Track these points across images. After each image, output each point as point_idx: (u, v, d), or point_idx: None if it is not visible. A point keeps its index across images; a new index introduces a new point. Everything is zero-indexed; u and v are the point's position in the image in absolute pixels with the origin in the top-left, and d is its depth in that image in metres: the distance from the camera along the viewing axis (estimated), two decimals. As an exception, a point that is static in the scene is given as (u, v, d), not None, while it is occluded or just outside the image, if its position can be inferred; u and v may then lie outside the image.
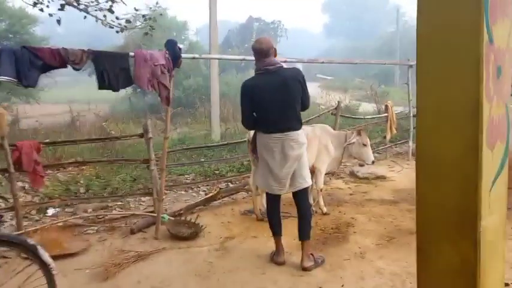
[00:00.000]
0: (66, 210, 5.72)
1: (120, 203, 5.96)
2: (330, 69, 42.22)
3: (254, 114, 3.72)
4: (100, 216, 5.35)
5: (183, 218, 4.98)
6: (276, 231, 3.93)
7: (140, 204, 6.07)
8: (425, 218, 1.96)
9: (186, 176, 7.59)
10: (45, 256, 2.60)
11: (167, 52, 4.34)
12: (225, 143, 7.68)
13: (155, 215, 4.85)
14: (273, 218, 3.93)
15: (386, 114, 7.82)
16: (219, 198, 5.77)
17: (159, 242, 4.50)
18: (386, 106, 7.87)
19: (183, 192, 6.89)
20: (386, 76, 29.76)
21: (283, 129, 3.65)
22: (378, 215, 5.18)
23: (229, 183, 7.29)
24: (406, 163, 7.82)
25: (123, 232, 4.81)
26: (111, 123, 14.60)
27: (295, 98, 3.66)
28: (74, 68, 3.86)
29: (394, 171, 7.17)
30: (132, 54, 4.16)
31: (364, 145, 5.17)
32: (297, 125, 3.73)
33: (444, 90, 1.79)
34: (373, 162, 5.27)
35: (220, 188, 6.89)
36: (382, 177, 6.76)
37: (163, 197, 4.87)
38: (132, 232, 4.74)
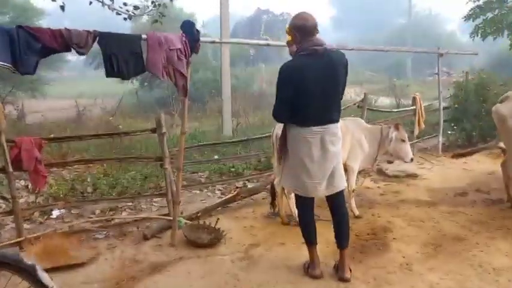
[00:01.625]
0: (72, 211, 5.25)
1: (130, 203, 5.47)
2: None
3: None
4: (109, 220, 4.85)
5: (201, 222, 4.48)
6: (311, 241, 3.41)
7: (152, 205, 5.58)
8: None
9: (200, 173, 7.09)
10: (46, 279, 2.11)
11: (184, 35, 3.82)
12: (244, 138, 7.17)
13: (170, 218, 4.36)
14: (307, 225, 3.40)
15: (414, 107, 7.25)
16: (239, 199, 5.26)
17: (176, 250, 4.01)
18: (414, 98, 7.30)
19: (197, 191, 6.39)
20: (398, 68, 29.03)
21: (324, 122, 3.14)
22: (416, 218, 4.65)
23: (246, 182, 6.79)
24: (436, 159, 7.26)
25: (135, 238, 4.33)
26: (118, 117, 14.18)
27: (341, 86, 3.16)
28: (78, 52, 3.35)
29: (425, 168, 6.62)
30: (144, 36, 3.64)
31: (403, 141, 4.64)
32: (338, 116, 3.23)
33: None
34: (411, 159, 4.73)
35: (238, 188, 6.41)
36: (413, 176, 6.22)
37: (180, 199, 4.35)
38: (146, 238, 4.25)
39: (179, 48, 3.76)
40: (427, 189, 5.70)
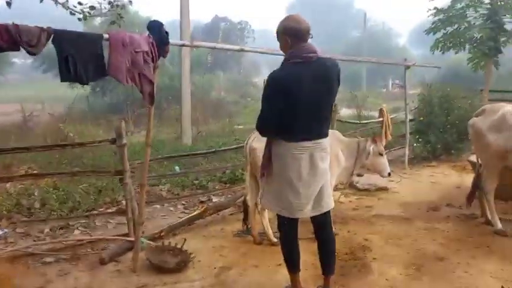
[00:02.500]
0: (17, 230, 4.66)
1: (83, 221, 4.94)
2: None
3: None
4: (60, 240, 4.34)
5: (165, 243, 4.06)
6: (295, 267, 3.10)
7: (108, 222, 5.08)
8: None
9: (160, 187, 6.62)
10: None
11: (151, 36, 3.42)
12: (212, 150, 6.77)
13: (132, 239, 3.92)
14: (291, 250, 3.08)
15: (381, 119, 7.15)
16: (206, 216, 4.88)
17: (138, 277, 3.58)
18: (381, 110, 7.21)
19: (157, 206, 5.96)
20: (354, 80, 29.57)
21: (314, 136, 2.85)
22: (393, 235, 4.45)
23: (211, 196, 6.42)
24: (403, 172, 7.19)
25: (91, 262, 3.86)
26: (68, 124, 13.39)
27: (333, 97, 2.89)
28: (29, 52, 2.88)
29: (394, 181, 6.50)
30: (106, 36, 3.21)
31: (381, 154, 4.44)
32: (328, 130, 2.96)
33: None
34: (389, 174, 4.54)
35: (202, 202, 6.03)
36: (383, 189, 6.08)
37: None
38: (103, 262, 3.79)
39: (146, 51, 3.36)
40: (399, 204, 5.56)
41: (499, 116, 4.29)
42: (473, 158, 5.89)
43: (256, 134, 4.21)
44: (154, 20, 3.52)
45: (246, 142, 4.29)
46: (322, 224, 3.06)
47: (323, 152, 2.90)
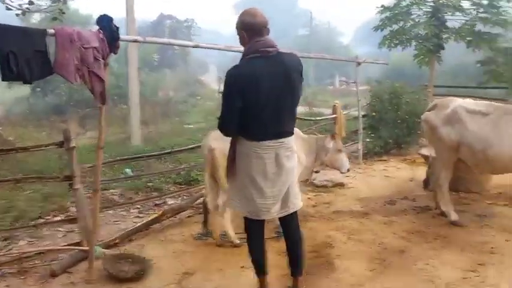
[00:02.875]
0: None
1: (30, 231, 4.59)
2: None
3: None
4: (5, 253, 3.99)
5: (122, 251, 3.84)
6: (262, 270, 3.00)
7: (57, 230, 4.76)
8: None
9: (111, 191, 6.32)
10: None
11: (101, 32, 3.20)
12: (167, 151, 6.51)
13: (86, 248, 3.66)
14: (257, 252, 2.97)
15: (334, 116, 7.21)
16: (163, 220, 4.68)
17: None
18: (334, 106, 7.28)
19: (110, 211, 5.67)
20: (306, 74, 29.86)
21: (278, 135, 2.75)
22: (354, 231, 4.47)
23: (166, 198, 6.21)
24: (358, 167, 7.29)
25: (41, 275, 3.57)
26: (6, 127, 12.59)
27: (298, 93, 2.81)
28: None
29: (349, 176, 6.56)
30: (51, 31, 2.95)
31: (340, 151, 4.45)
32: (293, 128, 2.88)
33: None
34: (348, 170, 4.56)
35: (157, 205, 5.81)
36: (340, 185, 6.12)
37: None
38: (54, 274, 3.53)
39: (95, 47, 3.13)
40: (357, 199, 5.61)
41: (450, 110, 4.41)
42: (424, 151, 6.09)
43: (214, 133, 4.08)
44: (103, 15, 3.29)
45: (203, 142, 4.14)
46: (290, 225, 2.98)
47: (288, 151, 2.82)
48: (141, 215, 5.61)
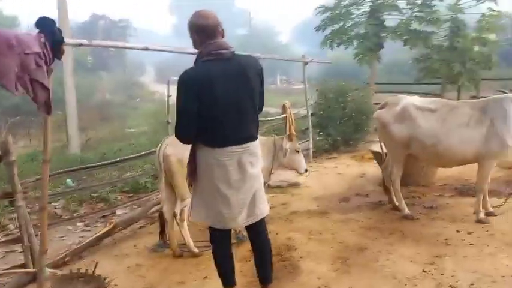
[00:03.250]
0: None
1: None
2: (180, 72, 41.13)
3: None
4: None
5: (73, 269, 3.55)
6: (230, 281, 2.89)
7: (-5, 252, 4.37)
8: None
9: (53, 204, 5.91)
10: None
11: (42, 35, 2.93)
12: (117, 159, 6.18)
13: (32, 270, 3.36)
14: (224, 263, 2.86)
15: (284, 115, 7.19)
16: (115, 233, 4.43)
17: (46, 315, 3.06)
18: (284, 106, 7.24)
19: (53, 226, 5.31)
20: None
21: (240, 140, 2.66)
22: (314, 231, 4.46)
23: (115, 209, 5.93)
24: (309, 165, 7.30)
25: (-18, 305, 3.23)
26: None
27: (256, 97, 2.72)
28: None
29: (303, 175, 6.60)
30: (-14, 36, 2.66)
31: (297, 151, 4.43)
32: (256, 133, 2.79)
33: None
34: (306, 170, 4.55)
35: (104, 216, 5.51)
36: (295, 184, 6.14)
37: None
38: (-3, 303, 3.19)
39: (37, 52, 2.86)
40: (312, 198, 5.64)
41: (400, 108, 4.52)
42: (375, 147, 6.23)
43: (169, 139, 3.91)
44: (43, 17, 3.00)
45: (158, 148, 3.95)
46: (257, 232, 2.89)
47: (253, 156, 2.72)
48: (87, 228, 5.32)
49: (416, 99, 4.60)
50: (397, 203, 4.93)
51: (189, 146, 3.83)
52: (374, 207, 5.13)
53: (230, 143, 2.62)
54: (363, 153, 7.91)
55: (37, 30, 3.00)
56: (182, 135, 2.66)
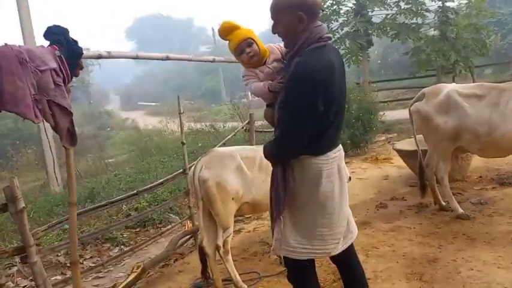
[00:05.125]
0: None
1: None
2: (150, 95, 40.29)
3: None
4: None
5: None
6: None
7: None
8: None
9: (55, 249, 5.17)
10: None
11: (57, 47, 2.36)
12: (132, 193, 5.45)
13: None
14: None
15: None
16: (143, 278, 3.79)
17: None
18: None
19: (58, 277, 4.64)
20: (213, 95, 29.58)
21: (338, 142, 2.22)
22: (368, 246, 3.94)
23: (122, 247, 5.28)
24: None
25: None
26: None
27: None
28: None
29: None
30: (-10, 52, 2.07)
31: (339, 158, 3.93)
32: None
33: None
34: (350, 178, 4.04)
35: (111, 257, 4.84)
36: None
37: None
38: None
39: (53, 68, 2.29)
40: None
41: (443, 97, 4.13)
42: (399, 145, 5.83)
43: (204, 159, 3.36)
44: (54, 25, 2.44)
45: (192, 172, 3.38)
46: (351, 257, 2.38)
47: (344, 161, 2.24)
48: (101, 276, 4.65)
49: (458, 86, 4.23)
50: (443, 203, 4.52)
51: (229, 166, 3.30)
52: (418, 211, 4.69)
53: (332, 146, 2.14)
54: (374, 154, 7.53)
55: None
56: (297, 147, 2.04)
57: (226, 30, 2.28)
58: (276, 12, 2.04)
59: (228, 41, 2.30)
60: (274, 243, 2.25)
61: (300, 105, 1.96)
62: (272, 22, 2.10)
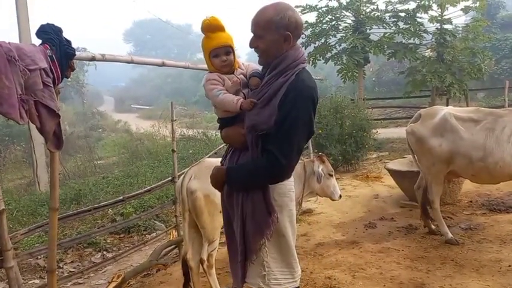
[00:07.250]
0: None
1: None
2: (145, 99, 40.11)
3: None
4: None
5: None
6: None
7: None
8: None
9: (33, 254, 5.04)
10: None
11: (48, 46, 2.29)
12: (119, 199, 5.36)
13: None
14: None
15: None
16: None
17: None
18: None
19: (36, 280, 4.53)
20: (207, 102, 29.37)
21: None
22: (354, 266, 3.88)
23: (105, 253, 5.18)
24: (313, 189, 6.81)
25: None
26: None
27: None
28: None
29: (310, 200, 6.04)
30: (-23, 48, 1.99)
31: (330, 175, 3.88)
32: None
33: None
34: (340, 196, 4.00)
35: (94, 264, 4.72)
36: (308, 212, 5.57)
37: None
38: None
39: (43, 68, 2.22)
40: (333, 226, 5.09)
41: (439, 119, 4.11)
42: (391, 165, 5.80)
43: (193, 170, 3.29)
44: (47, 24, 2.38)
45: (180, 182, 3.30)
46: None
47: None
48: (80, 282, 4.53)
49: (454, 109, 4.21)
50: (433, 227, 4.48)
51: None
52: (407, 233, 4.64)
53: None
54: (364, 172, 7.48)
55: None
56: (290, 171, 2.00)
57: (213, 27, 2.07)
58: (261, 27, 1.96)
59: (206, 36, 2.12)
60: (253, 281, 2.05)
61: (304, 125, 1.91)
62: (252, 35, 2.01)
